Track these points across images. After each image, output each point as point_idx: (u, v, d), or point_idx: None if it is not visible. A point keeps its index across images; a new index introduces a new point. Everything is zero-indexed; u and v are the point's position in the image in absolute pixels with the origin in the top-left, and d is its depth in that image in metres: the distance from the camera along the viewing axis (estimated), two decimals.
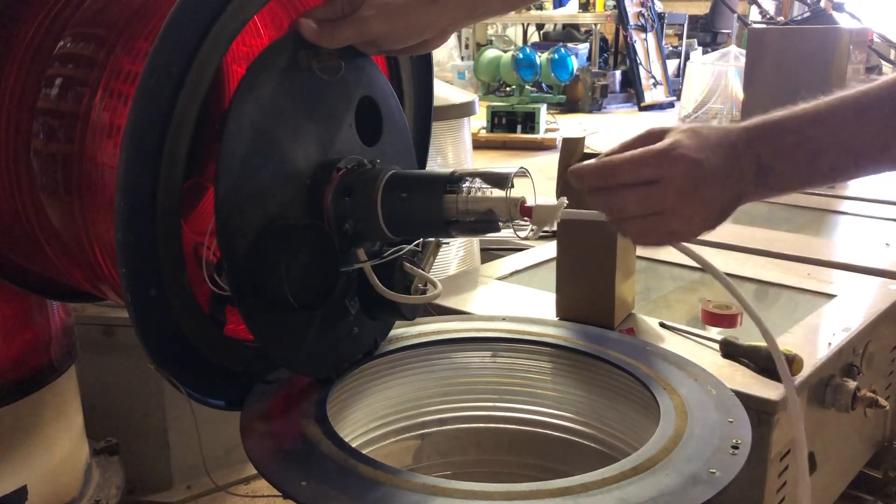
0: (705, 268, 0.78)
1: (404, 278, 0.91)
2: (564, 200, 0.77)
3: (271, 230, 0.79)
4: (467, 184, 0.79)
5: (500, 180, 0.78)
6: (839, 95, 0.70)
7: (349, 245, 0.86)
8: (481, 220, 0.79)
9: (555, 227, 0.91)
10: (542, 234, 2.03)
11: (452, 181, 0.80)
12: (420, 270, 0.91)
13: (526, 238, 0.80)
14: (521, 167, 0.79)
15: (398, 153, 0.96)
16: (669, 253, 1.63)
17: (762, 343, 1.08)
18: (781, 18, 4.85)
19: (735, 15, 6.74)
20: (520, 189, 0.79)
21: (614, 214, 0.71)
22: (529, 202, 0.78)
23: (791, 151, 0.70)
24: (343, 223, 0.84)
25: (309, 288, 0.80)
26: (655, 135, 0.72)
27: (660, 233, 0.71)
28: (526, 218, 0.78)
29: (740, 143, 0.71)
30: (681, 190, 0.68)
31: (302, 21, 0.82)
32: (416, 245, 0.92)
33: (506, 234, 0.80)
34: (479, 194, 0.79)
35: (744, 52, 3.86)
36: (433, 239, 0.92)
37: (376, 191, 0.82)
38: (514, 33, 9.98)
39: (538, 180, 0.79)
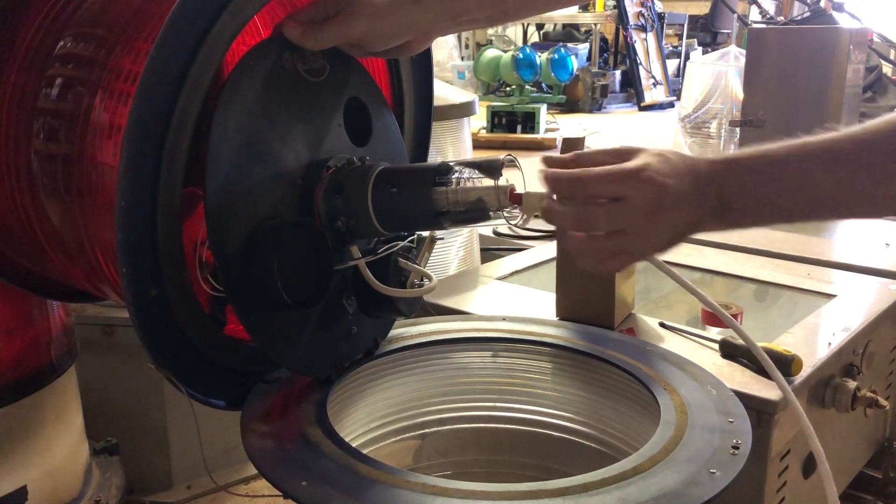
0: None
1: (400, 274, 0.91)
2: None
3: (262, 229, 0.79)
4: (456, 174, 0.79)
5: (489, 169, 0.78)
6: (805, 141, 0.73)
7: (343, 243, 0.86)
8: (472, 210, 0.79)
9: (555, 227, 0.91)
10: (542, 234, 2.02)
11: (441, 173, 0.80)
12: (415, 265, 0.91)
13: (517, 225, 0.80)
14: (508, 154, 0.79)
15: (389, 152, 0.96)
16: (668, 253, 1.64)
17: (762, 343, 1.08)
18: (781, 18, 4.85)
19: (735, 15, 6.75)
20: (510, 179, 0.79)
21: (581, 226, 0.72)
22: (518, 190, 0.78)
23: (754, 191, 0.73)
24: (335, 221, 0.84)
25: (303, 284, 0.80)
26: (625, 153, 0.74)
27: (615, 252, 0.73)
28: (516, 205, 0.78)
29: (705, 175, 0.73)
30: (645, 211, 0.70)
31: (286, 22, 0.82)
32: (411, 241, 0.92)
33: (496, 222, 0.81)
34: (469, 184, 0.79)
35: (744, 52, 3.86)
36: (427, 234, 0.93)
37: (366, 187, 0.82)
38: (514, 33, 9.98)
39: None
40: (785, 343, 1.15)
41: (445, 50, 7.97)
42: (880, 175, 0.71)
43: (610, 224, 0.70)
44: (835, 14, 3.78)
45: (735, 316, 1.22)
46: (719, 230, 0.76)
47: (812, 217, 0.75)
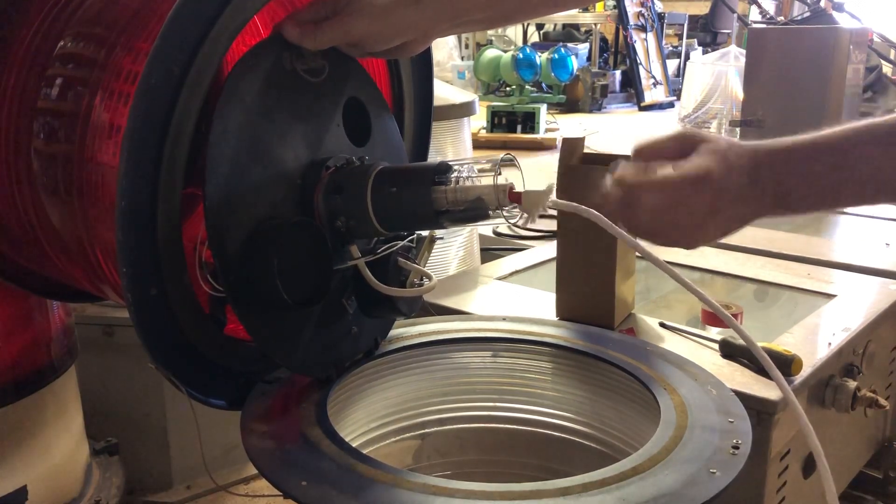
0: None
1: (400, 274, 0.91)
2: (553, 185, 0.77)
3: (262, 229, 0.79)
4: (455, 174, 0.79)
5: (488, 168, 0.78)
6: (867, 125, 0.72)
7: (343, 243, 0.86)
8: (471, 209, 0.79)
9: (554, 227, 0.91)
10: (542, 234, 2.02)
11: (440, 172, 0.80)
12: (415, 265, 0.91)
13: (517, 224, 0.80)
14: (508, 153, 0.79)
15: (388, 152, 0.96)
16: (669, 253, 1.64)
17: (762, 343, 1.08)
18: (781, 18, 4.85)
19: (735, 15, 6.74)
20: (510, 178, 0.79)
21: (638, 231, 0.74)
22: (518, 189, 0.78)
23: (815, 180, 0.72)
24: (335, 220, 0.84)
25: (303, 284, 0.80)
26: (688, 142, 0.74)
27: (671, 240, 0.75)
28: (515, 204, 0.78)
29: (763, 167, 0.73)
30: (703, 213, 0.72)
31: (285, 22, 0.83)
32: (410, 241, 0.92)
33: (495, 221, 0.81)
34: (468, 183, 0.79)
35: (744, 52, 3.86)
36: (427, 233, 0.93)
37: (365, 186, 0.82)
38: (514, 33, 9.97)
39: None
40: (785, 343, 1.15)
41: (445, 50, 7.97)
42: None
43: (671, 222, 0.73)
44: (835, 14, 3.78)
45: (735, 316, 1.22)
46: (780, 216, 0.76)
47: (873, 202, 0.75)
